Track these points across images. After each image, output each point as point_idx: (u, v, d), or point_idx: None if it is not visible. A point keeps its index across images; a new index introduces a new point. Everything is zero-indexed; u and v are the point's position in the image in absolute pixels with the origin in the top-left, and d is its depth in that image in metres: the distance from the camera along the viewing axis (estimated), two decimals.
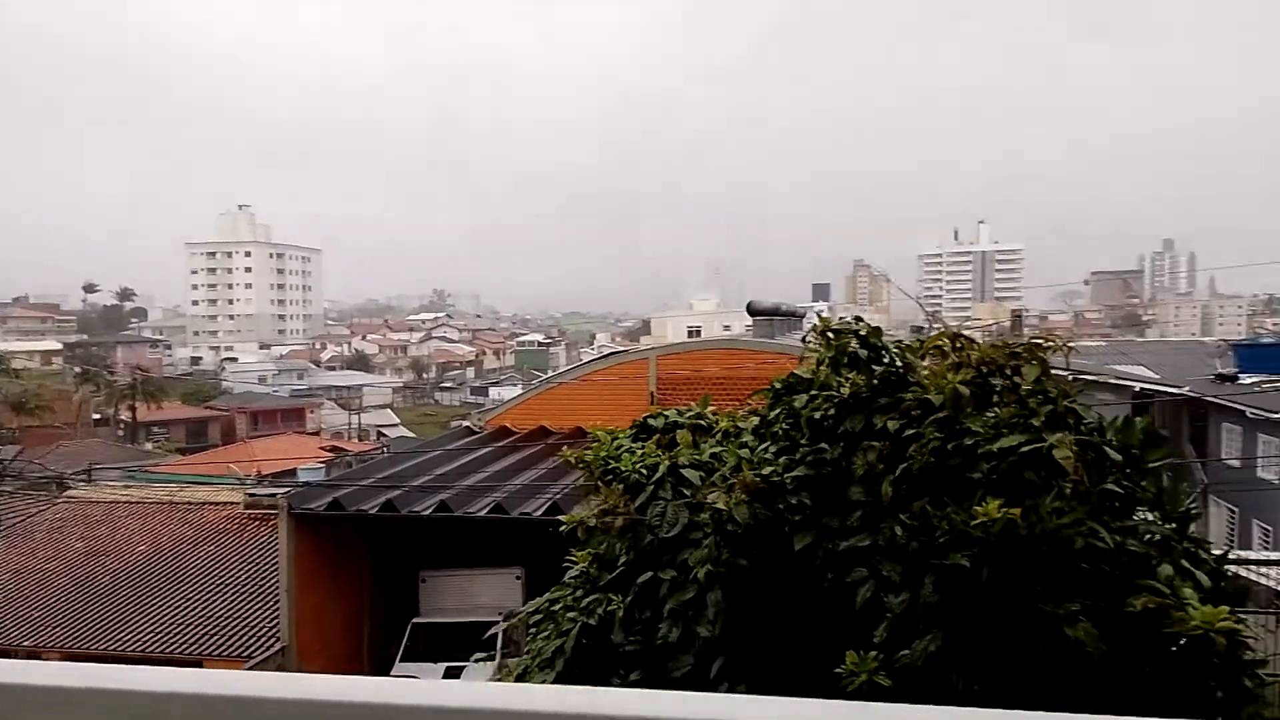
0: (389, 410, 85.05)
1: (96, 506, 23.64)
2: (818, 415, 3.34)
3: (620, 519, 3.52)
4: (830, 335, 3.38)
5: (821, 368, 3.44)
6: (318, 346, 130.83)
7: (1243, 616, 2.88)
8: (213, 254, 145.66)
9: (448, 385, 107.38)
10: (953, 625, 2.63)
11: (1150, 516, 2.95)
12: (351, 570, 18.70)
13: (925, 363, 3.28)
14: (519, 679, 3.48)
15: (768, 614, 3.14)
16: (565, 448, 4.09)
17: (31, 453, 40.03)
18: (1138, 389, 32.90)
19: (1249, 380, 34.44)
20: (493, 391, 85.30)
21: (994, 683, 2.53)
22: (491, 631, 3.83)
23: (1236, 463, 31.69)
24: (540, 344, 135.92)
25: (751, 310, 27.10)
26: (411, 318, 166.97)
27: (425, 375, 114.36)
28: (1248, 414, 30.34)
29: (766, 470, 3.26)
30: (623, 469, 3.68)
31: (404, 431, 70.39)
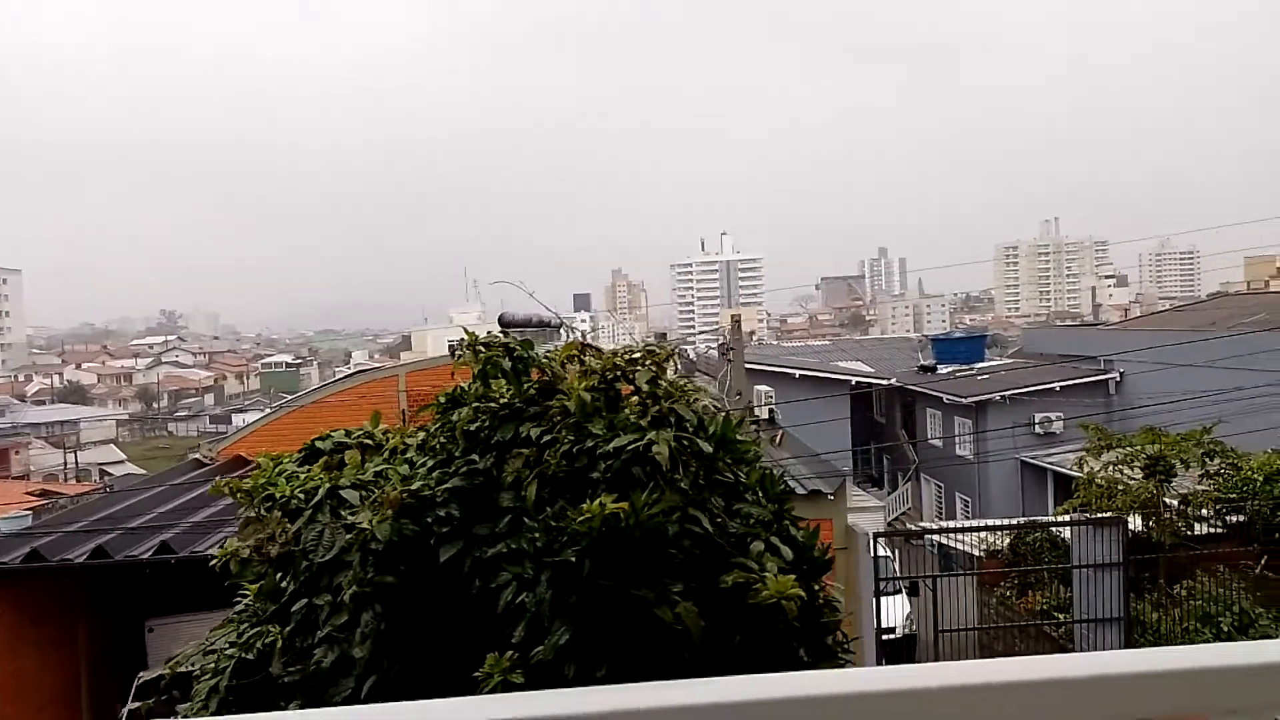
0: (113, 445, 76.44)
1: None
2: (473, 427, 3.45)
3: (276, 547, 3.43)
4: (481, 349, 3.50)
5: (476, 383, 3.55)
6: (20, 379, 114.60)
7: (830, 583, 3.31)
8: None
9: (183, 414, 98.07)
10: (575, 618, 2.82)
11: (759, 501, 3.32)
12: (61, 627, 16.63)
13: (573, 370, 3.48)
14: None
15: (419, 628, 3.19)
16: (218, 478, 3.91)
17: None
18: (854, 382, 36.56)
19: (945, 370, 39.40)
20: (236, 419, 78.98)
21: (615, 666, 2.74)
22: (144, 679, 3.53)
23: (939, 443, 36.06)
24: (289, 365, 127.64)
25: (503, 322, 27.01)
26: (137, 342, 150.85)
27: (156, 405, 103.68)
28: (944, 400, 34.65)
29: (416, 484, 3.31)
30: (279, 495, 3.58)
31: (132, 468, 63.52)
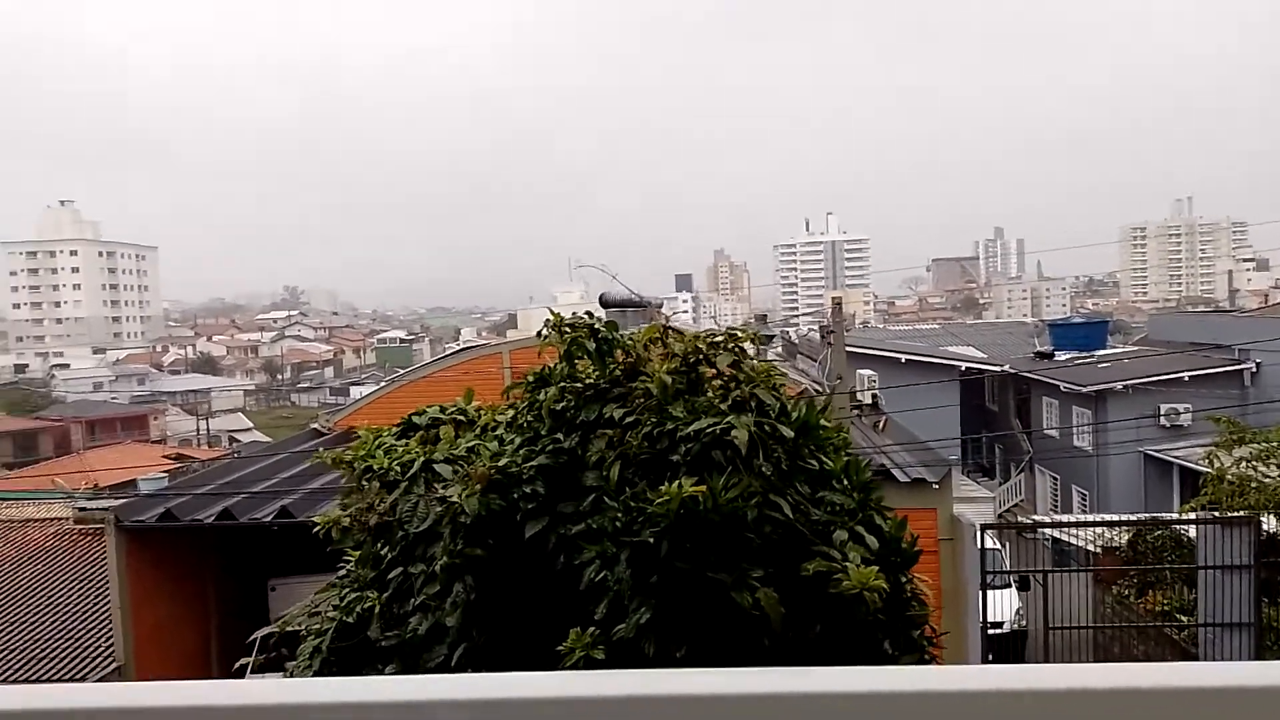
0: (241, 414, 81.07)
1: None
2: (559, 406, 3.51)
3: (375, 516, 3.58)
4: (566, 330, 3.55)
5: (561, 363, 3.61)
6: (159, 349, 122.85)
7: (916, 575, 3.23)
8: (33, 253, 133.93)
9: (305, 386, 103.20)
10: (655, 598, 2.85)
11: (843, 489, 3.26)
12: (195, 583, 17.88)
13: (656, 352, 3.49)
14: None
15: (506, 600, 3.28)
16: (320, 449, 4.11)
17: None
18: (964, 368, 35.33)
19: (1063, 357, 37.59)
20: (353, 391, 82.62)
21: (694, 648, 2.76)
22: (253, 637, 3.77)
23: (1055, 433, 34.52)
24: (403, 341, 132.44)
25: (604, 302, 27.30)
26: (262, 316, 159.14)
27: (279, 376, 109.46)
28: (1062, 388, 33.10)
29: (504, 461, 3.40)
30: (378, 467, 3.74)
31: (258, 436, 67.33)
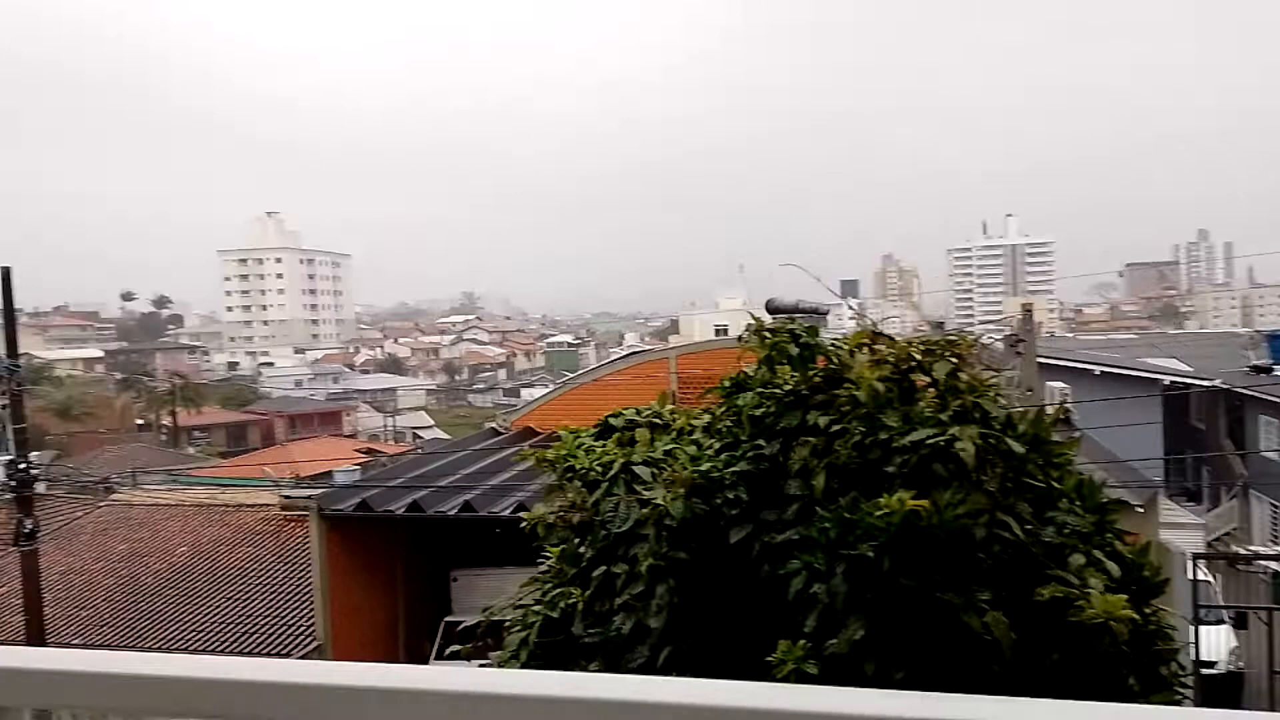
0: (423, 412, 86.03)
1: (138, 509, 24.28)
2: (759, 412, 3.47)
3: (578, 515, 3.68)
4: (767, 334, 3.50)
5: (761, 368, 3.57)
6: (351, 350, 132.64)
7: (1163, 607, 2.95)
8: (244, 261, 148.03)
9: (481, 386, 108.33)
10: (871, 615, 2.75)
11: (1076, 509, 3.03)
12: (385, 570, 19.08)
13: (861, 358, 3.39)
14: None
15: (709, 606, 3.27)
16: (525, 447, 4.26)
17: (79, 457, 41.23)
18: (1167, 382, 32.38)
19: None
20: (524, 392, 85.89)
21: (915, 670, 2.64)
22: (464, 625, 3.96)
23: (1276, 455, 31.01)
24: (570, 345, 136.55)
25: (770, 308, 27.00)
26: (442, 320, 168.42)
27: (457, 377, 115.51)
28: None
29: (705, 466, 3.39)
30: (579, 467, 3.83)
31: (439, 433, 71.22)
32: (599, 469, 3.78)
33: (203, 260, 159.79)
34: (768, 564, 3.16)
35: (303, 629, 18.12)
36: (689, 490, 3.30)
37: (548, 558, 4.27)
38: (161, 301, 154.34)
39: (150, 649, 17.90)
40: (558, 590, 3.77)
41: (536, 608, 3.76)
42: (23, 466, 15.77)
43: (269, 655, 17.50)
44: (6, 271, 15.15)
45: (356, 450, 47.51)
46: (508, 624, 4.06)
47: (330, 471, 32.75)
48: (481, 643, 4.07)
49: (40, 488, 21.53)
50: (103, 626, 18.76)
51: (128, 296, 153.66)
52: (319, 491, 20.98)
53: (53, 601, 19.46)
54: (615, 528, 3.53)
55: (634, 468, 3.71)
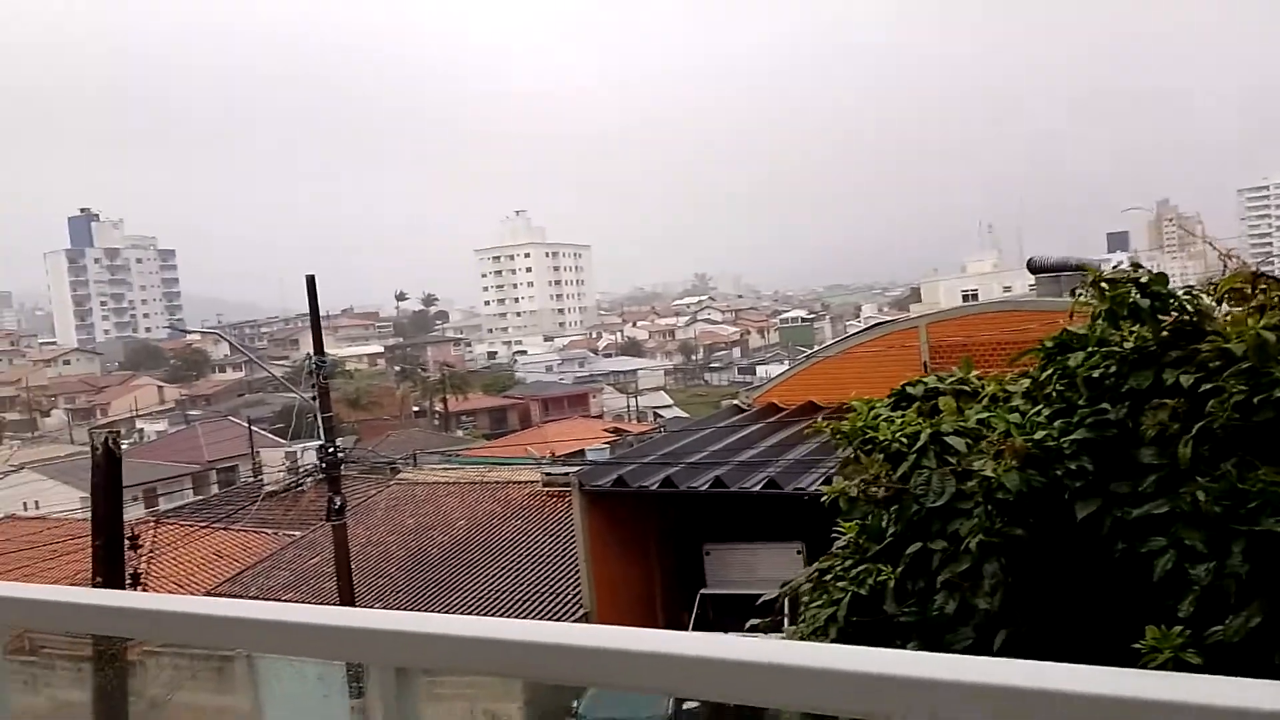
0: (662, 392, 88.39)
1: (421, 487, 26.86)
2: (1097, 374, 3.09)
3: (883, 489, 3.49)
4: (1105, 286, 3.11)
5: (1098, 322, 3.18)
6: (594, 336, 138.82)
7: None
8: (497, 258, 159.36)
9: (716, 365, 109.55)
10: (1272, 598, 2.35)
11: None
12: (640, 543, 19.79)
13: (1222, 309, 2.92)
14: None
15: (1051, 586, 2.97)
16: (819, 419, 4.10)
17: (367, 442, 46.47)
18: None
19: None
20: (759, 369, 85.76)
21: None
22: (764, 599, 3.91)
23: None
24: (804, 320, 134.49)
25: (1033, 267, 24.86)
26: (676, 302, 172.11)
27: (693, 357, 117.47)
28: None
29: (1039, 435, 3.07)
30: (881, 438, 3.63)
31: (678, 412, 72.95)
32: (903, 440, 3.57)
33: (462, 259, 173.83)
34: (1122, 541, 2.81)
35: (569, 597, 19.20)
36: (1023, 461, 3.01)
37: (840, 533, 4.12)
38: (429, 300, 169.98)
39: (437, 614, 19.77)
40: (862, 567, 3.61)
41: (841, 584, 3.63)
42: (330, 450, 17.88)
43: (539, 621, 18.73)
44: (311, 279, 17.21)
45: (605, 430, 49.80)
46: (804, 599, 3.97)
47: (583, 450, 34.60)
48: (779, 616, 3.99)
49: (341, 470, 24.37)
50: (398, 593, 20.91)
51: (401, 297, 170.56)
52: (577, 468, 22.15)
53: (356, 570, 22.02)
54: (929, 502, 3.31)
55: (944, 438, 3.46)
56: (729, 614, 18.49)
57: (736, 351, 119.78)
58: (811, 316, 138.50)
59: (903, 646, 3.27)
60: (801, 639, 3.81)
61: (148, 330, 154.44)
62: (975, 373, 4.03)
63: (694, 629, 18.66)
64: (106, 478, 10.10)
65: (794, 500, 16.61)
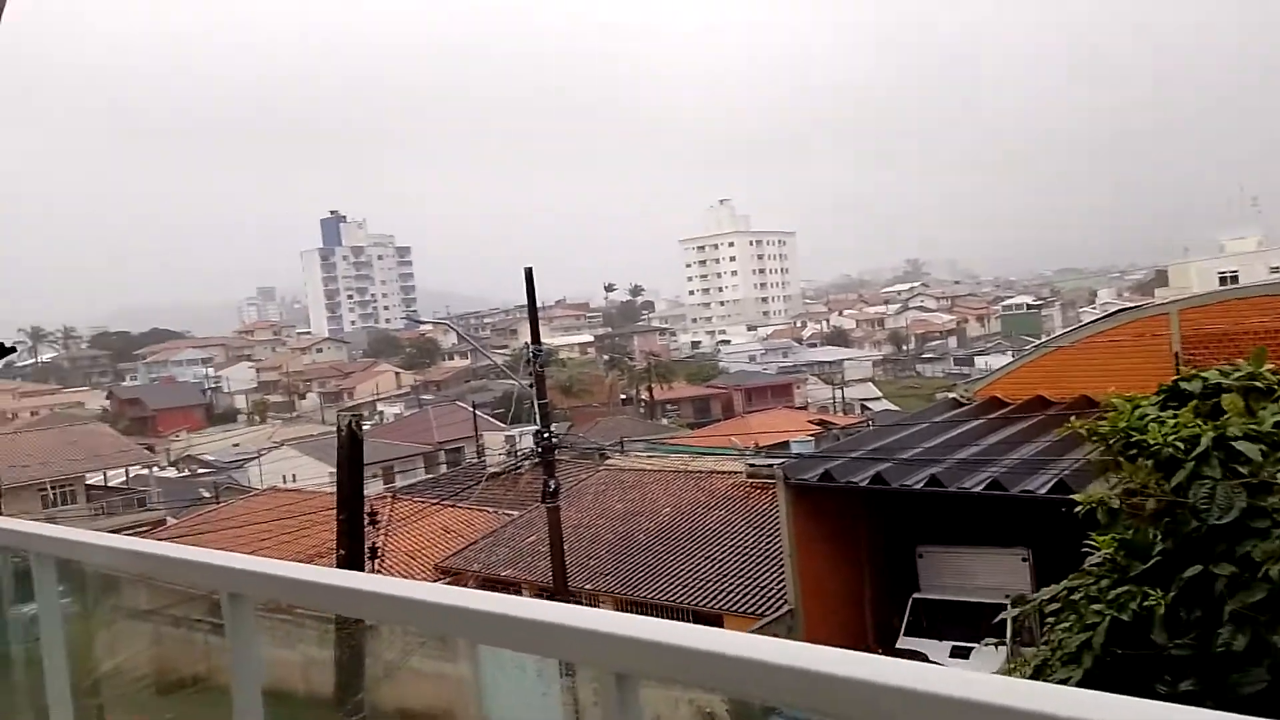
0: (870, 383, 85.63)
1: (628, 474, 27.52)
2: None
3: (1152, 501, 3.02)
4: None
5: None
6: (798, 325, 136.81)
7: None
8: (702, 248, 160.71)
9: (929, 356, 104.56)
10: None
11: None
12: (847, 541, 19.18)
13: None
14: (1036, 672, 3.17)
15: None
16: (1073, 418, 3.62)
17: (578, 428, 48.40)
18: None
19: None
20: (979, 361, 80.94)
21: None
22: (1002, 616, 3.55)
23: None
24: (1029, 307, 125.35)
25: None
26: (886, 290, 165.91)
27: (904, 347, 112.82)
28: None
29: None
30: (1150, 442, 3.14)
31: (886, 404, 70.37)
32: (1179, 445, 3.07)
33: (667, 250, 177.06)
34: None
35: (773, 592, 18.92)
36: None
37: (1094, 547, 3.65)
38: (636, 290, 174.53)
39: (644, 599, 20.15)
40: (1123, 588, 3.15)
41: (1097, 606, 3.19)
42: (546, 435, 18.64)
43: (743, 614, 18.59)
44: (529, 273, 18.02)
45: (809, 422, 48.86)
46: (1050, 619, 3.55)
47: (787, 442, 34.09)
48: (1024, 636, 3.58)
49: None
50: (606, 575, 21.52)
51: (609, 288, 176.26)
52: (781, 461, 21.75)
53: (567, 550, 22.89)
54: (1212, 518, 2.83)
55: (1232, 443, 2.95)
56: (944, 621, 17.50)
57: (952, 341, 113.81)
58: (1038, 303, 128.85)
59: (1174, 683, 2.81)
60: (1044, 664, 3.41)
61: (387, 321, 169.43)
62: (1269, 366, 3.41)
63: (906, 635, 17.81)
64: (349, 457, 11.04)
65: (1019, 503, 15.45)
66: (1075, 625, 3.22)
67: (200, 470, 56.33)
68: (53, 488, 38.83)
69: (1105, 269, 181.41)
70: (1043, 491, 14.43)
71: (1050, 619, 3.49)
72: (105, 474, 43.38)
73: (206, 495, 40.42)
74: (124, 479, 43.95)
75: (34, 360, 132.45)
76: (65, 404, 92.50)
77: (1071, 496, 3.47)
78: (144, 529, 31.52)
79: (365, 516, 13.11)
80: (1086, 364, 21.53)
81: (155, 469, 48.99)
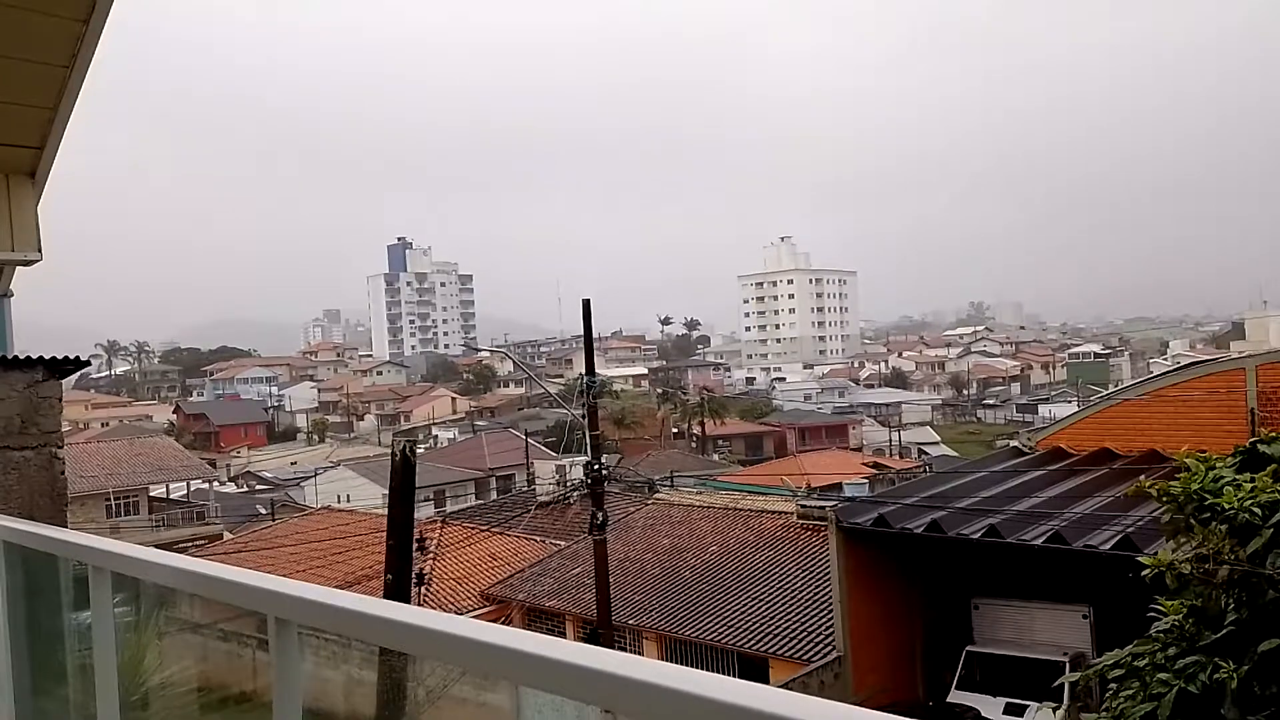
0: (928, 428, 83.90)
1: (677, 509, 27.32)
2: None
3: (1225, 568, 2.87)
4: None
5: None
6: (856, 365, 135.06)
7: None
8: (760, 284, 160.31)
9: (990, 402, 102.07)
10: None
11: None
12: (899, 589, 18.69)
13: None
14: None
15: None
16: (1143, 477, 3.47)
17: (629, 460, 48.28)
18: None
19: None
20: (1042, 409, 78.76)
21: None
22: (1062, 680, 3.38)
23: None
24: (1097, 355, 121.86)
25: None
26: (948, 333, 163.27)
27: (965, 392, 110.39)
28: None
29: None
30: (1225, 506, 2.99)
31: (945, 450, 68.78)
32: (1256, 510, 2.92)
33: (725, 285, 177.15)
34: None
35: (821, 637, 18.47)
36: None
37: (1161, 612, 3.47)
38: (692, 324, 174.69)
39: (689, 638, 19.85)
40: (1192, 658, 2.99)
41: (1163, 675, 3.03)
42: (596, 467, 18.62)
43: (790, 659, 18.17)
44: (587, 304, 18.14)
45: (864, 464, 47.96)
46: (1112, 685, 3.38)
47: (840, 484, 33.50)
48: (1082, 703, 3.41)
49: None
50: (650, 611, 21.26)
51: (665, 321, 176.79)
52: (834, 503, 21.34)
53: (613, 584, 22.72)
54: None
55: None
56: (999, 677, 16.88)
57: (1015, 387, 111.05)
58: (1107, 352, 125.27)
59: None
60: None
61: (446, 347, 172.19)
62: None
63: (958, 689, 17.22)
64: (401, 483, 11.17)
65: (1080, 558, 14.90)
66: (1140, 694, 3.06)
67: (259, 486, 57.61)
68: (117, 498, 40.06)
69: (1178, 319, 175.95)
70: (1106, 548, 13.89)
71: (1113, 684, 3.32)
72: (168, 486, 44.64)
73: (263, 512, 41.28)
74: (185, 492, 45.15)
75: (108, 373, 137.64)
76: (134, 416, 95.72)
77: (1139, 558, 3.31)
78: (201, 542, 32.28)
79: (414, 543, 13.22)
80: (1156, 417, 20.80)
81: (215, 483, 50.23)
